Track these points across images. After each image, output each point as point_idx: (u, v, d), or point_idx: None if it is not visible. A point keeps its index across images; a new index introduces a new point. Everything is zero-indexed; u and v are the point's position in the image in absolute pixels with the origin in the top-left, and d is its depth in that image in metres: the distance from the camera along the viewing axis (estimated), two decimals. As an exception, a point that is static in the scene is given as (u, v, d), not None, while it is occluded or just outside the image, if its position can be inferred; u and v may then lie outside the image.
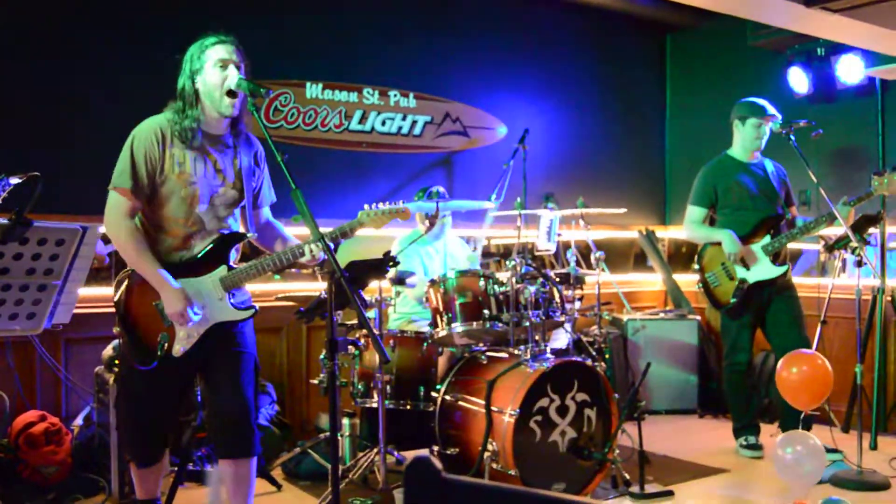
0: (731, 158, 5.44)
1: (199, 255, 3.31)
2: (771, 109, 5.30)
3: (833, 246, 5.14)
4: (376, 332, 4.39)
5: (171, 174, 3.25)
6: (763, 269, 5.21)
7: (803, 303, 5.36)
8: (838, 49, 6.03)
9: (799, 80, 6.34)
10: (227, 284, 3.31)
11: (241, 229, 3.49)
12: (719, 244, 5.28)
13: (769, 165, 5.45)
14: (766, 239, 5.21)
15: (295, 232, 3.64)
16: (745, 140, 5.36)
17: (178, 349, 3.24)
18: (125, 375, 3.50)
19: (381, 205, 3.48)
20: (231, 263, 3.36)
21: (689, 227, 5.52)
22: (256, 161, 3.50)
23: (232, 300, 3.34)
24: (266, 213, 3.63)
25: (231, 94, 3.23)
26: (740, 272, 5.23)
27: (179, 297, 3.19)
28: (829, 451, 5.05)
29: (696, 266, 5.48)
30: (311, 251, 3.24)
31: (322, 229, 3.08)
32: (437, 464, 1.08)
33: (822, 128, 5.25)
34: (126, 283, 3.31)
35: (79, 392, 4.90)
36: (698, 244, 5.56)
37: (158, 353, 3.22)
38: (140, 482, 3.55)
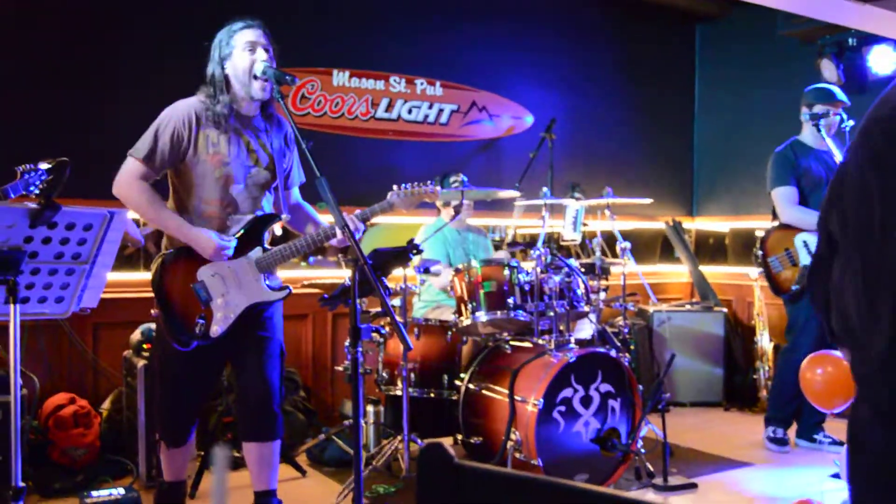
0: (801, 144, 5.28)
1: (234, 236, 3.34)
2: (840, 95, 5.20)
3: None
4: (400, 320, 4.41)
5: (204, 155, 3.29)
6: None
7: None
8: (870, 39, 5.95)
9: (830, 70, 6.26)
10: (262, 266, 3.34)
11: (274, 211, 3.52)
12: (784, 228, 5.16)
13: (838, 154, 5.30)
14: None
15: (323, 217, 3.67)
16: (813, 127, 5.25)
17: (216, 329, 3.28)
18: (161, 356, 3.55)
19: (410, 186, 3.52)
20: (265, 245, 3.39)
21: (790, 209, 5.20)
22: (287, 142, 3.55)
23: (267, 281, 3.37)
24: (296, 193, 3.69)
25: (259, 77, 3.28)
26: (804, 258, 5.13)
27: (209, 236, 3.25)
28: (838, 443, 5.02)
29: (759, 251, 5.33)
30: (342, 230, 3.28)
31: (351, 213, 3.14)
32: (451, 450, 1.09)
33: (853, 119, 5.18)
34: (163, 264, 3.35)
35: (108, 376, 4.96)
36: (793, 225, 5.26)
37: (197, 333, 3.26)
38: (168, 463, 3.60)
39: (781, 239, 5.22)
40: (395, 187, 3.57)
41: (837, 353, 4.62)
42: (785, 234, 5.19)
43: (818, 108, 5.18)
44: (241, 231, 3.35)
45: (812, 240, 5.08)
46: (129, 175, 3.31)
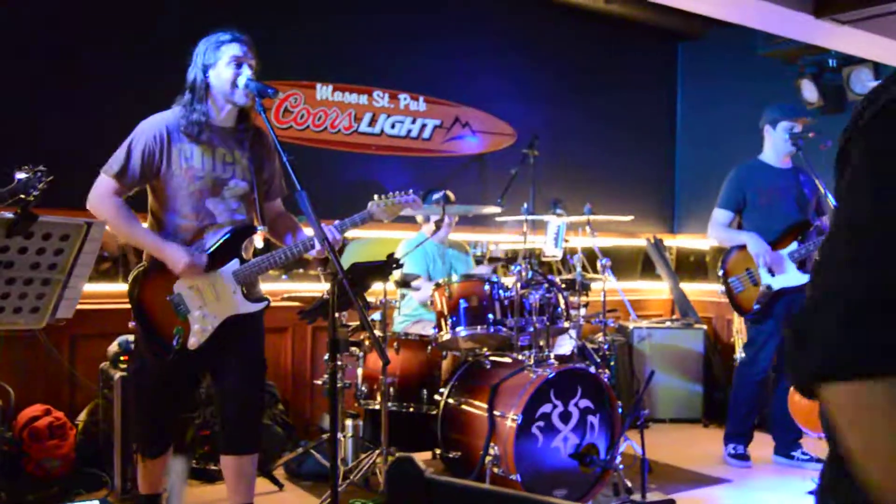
0: (762, 163, 5.35)
1: (212, 249, 3.32)
2: (802, 111, 5.25)
3: None
4: (379, 334, 4.40)
5: (178, 169, 3.28)
6: (789, 276, 5.13)
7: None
8: (849, 60, 6.01)
9: (809, 91, 6.32)
10: (239, 278, 3.33)
11: (253, 223, 3.49)
12: (745, 248, 5.22)
13: (804, 170, 5.35)
14: (794, 245, 5.14)
15: (305, 230, 3.66)
16: (777, 144, 5.29)
17: (193, 342, 3.27)
18: (138, 368, 3.54)
19: (391, 195, 3.52)
20: (243, 256, 3.38)
21: (715, 229, 5.43)
22: (268, 153, 3.53)
23: (245, 293, 3.36)
24: (279, 205, 3.67)
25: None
26: (765, 278, 5.16)
27: (180, 251, 3.23)
28: (817, 460, 5.05)
29: (721, 270, 5.39)
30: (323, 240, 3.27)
31: (331, 224, 3.14)
32: (421, 464, 1.08)
33: (831, 139, 5.22)
34: (140, 277, 3.34)
35: (84, 387, 4.92)
36: (724, 247, 5.47)
37: (175, 346, 3.25)
38: (145, 475, 3.57)
39: (742, 259, 5.28)
40: (375, 197, 3.56)
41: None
42: (746, 255, 5.25)
43: (784, 124, 5.22)
44: (218, 243, 3.33)
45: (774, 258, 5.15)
46: (101, 191, 3.32)
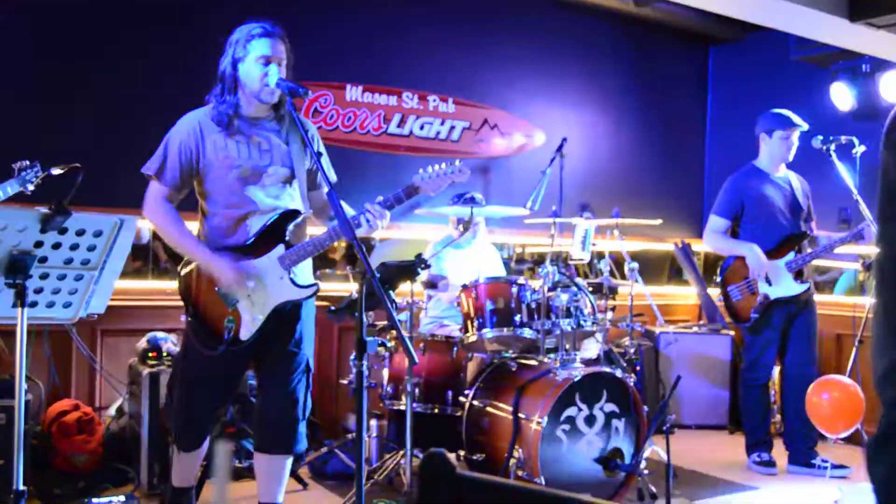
0: (758, 170, 5.37)
1: (256, 235, 3.31)
2: (797, 120, 5.24)
3: (871, 265, 5.07)
4: (406, 334, 4.40)
5: (214, 161, 3.28)
6: (786, 286, 5.16)
7: (840, 322, 5.30)
8: (883, 65, 5.95)
9: (842, 95, 6.26)
10: (286, 263, 3.30)
11: (296, 207, 3.44)
12: (743, 258, 5.23)
13: (794, 179, 5.38)
14: (791, 255, 5.16)
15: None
16: (774, 152, 5.30)
17: (245, 333, 3.26)
18: (186, 361, 3.50)
19: (436, 166, 3.44)
20: (288, 241, 3.34)
21: (712, 237, 5.45)
22: (304, 142, 3.38)
23: (293, 277, 3.33)
24: (324, 193, 3.58)
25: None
26: (762, 287, 5.17)
27: (227, 266, 3.22)
28: (836, 466, 5.01)
29: (718, 279, 5.42)
30: (368, 220, 3.26)
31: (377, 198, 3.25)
32: (452, 460, 1.09)
33: (864, 144, 5.18)
34: (190, 270, 3.34)
35: (112, 383, 4.96)
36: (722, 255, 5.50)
37: (226, 337, 3.23)
38: (179, 468, 3.57)
39: (741, 268, 5.28)
40: (420, 170, 3.46)
41: (843, 379, 4.61)
42: (743, 263, 5.25)
43: (779, 133, 5.23)
44: (261, 229, 3.32)
45: (771, 267, 5.14)
46: (150, 196, 3.33)
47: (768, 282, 5.17)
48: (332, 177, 3.45)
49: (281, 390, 3.37)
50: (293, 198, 3.44)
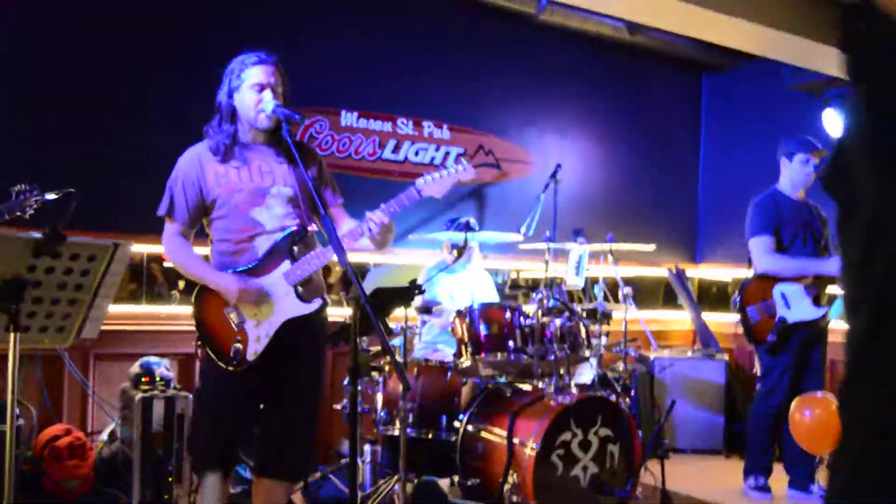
0: (781, 194, 5.32)
1: (263, 256, 3.31)
2: (817, 144, 5.24)
3: None
4: (399, 359, 4.39)
5: (216, 189, 3.30)
6: (804, 310, 5.10)
7: (832, 347, 5.28)
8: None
9: (835, 122, 6.30)
10: (291, 278, 3.29)
11: (301, 227, 3.42)
12: (763, 277, 5.17)
13: (813, 205, 5.34)
14: (809, 280, 5.12)
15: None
16: (794, 176, 5.27)
17: (252, 352, 3.24)
18: (204, 389, 3.50)
19: (441, 169, 3.42)
20: (294, 257, 3.32)
21: (766, 258, 5.21)
22: (306, 161, 3.36)
23: (299, 292, 3.31)
24: (339, 211, 3.59)
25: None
26: (780, 310, 5.13)
27: (234, 280, 3.22)
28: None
29: (737, 298, 5.34)
30: (370, 228, 3.25)
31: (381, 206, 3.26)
32: (444, 488, 1.09)
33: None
34: (198, 294, 3.35)
35: (104, 408, 4.94)
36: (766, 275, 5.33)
37: (234, 359, 3.23)
38: (206, 498, 3.39)
39: (760, 289, 5.22)
40: (424, 174, 3.44)
41: (827, 395, 4.59)
42: (764, 285, 5.19)
43: (799, 157, 5.21)
44: (267, 250, 3.31)
45: (790, 291, 5.11)
46: (165, 235, 3.40)
47: (787, 305, 5.12)
48: (338, 196, 3.58)
49: (292, 414, 3.34)
50: (299, 217, 3.43)
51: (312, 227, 3.45)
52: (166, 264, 4.09)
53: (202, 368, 3.46)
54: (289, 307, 3.30)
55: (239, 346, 3.24)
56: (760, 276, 5.22)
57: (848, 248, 1.48)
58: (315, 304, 3.34)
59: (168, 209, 3.35)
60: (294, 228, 3.38)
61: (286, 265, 3.30)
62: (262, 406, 3.44)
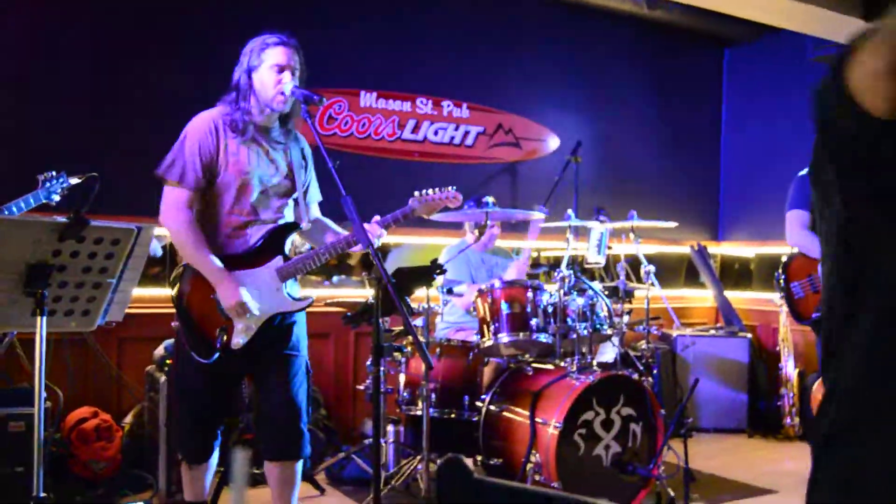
0: None
1: (256, 246, 3.31)
2: None
3: None
4: (422, 339, 4.41)
5: (225, 165, 3.27)
6: None
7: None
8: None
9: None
10: (283, 275, 3.30)
11: (295, 220, 3.47)
12: (804, 255, 5.10)
13: None
14: None
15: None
16: None
17: (237, 342, 3.23)
18: (181, 371, 3.50)
19: (430, 191, 3.50)
20: (287, 253, 3.36)
21: (796, 233, 5.01)
22: (304, 157, 3.50)
23: (288, 290, 3.34)
24: (315, 210, 3.63)
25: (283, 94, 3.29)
26: None
27: (236, 289, 3.19)
28: None
29: (781, 275, 5.26)
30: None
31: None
32: (470, 465, 1.09)
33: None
34: (183, 276, 3.32)
35: (131, 390, 4.99)
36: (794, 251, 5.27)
37: (217, 346, 3.22)
38: (190, 483, 3.54)
39: (805, 264, 5.14)
40: (415, 193, 3.53)
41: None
42: (809, 260, 5.11)
43: None
44: (262, 240, 3.32)
45: None
46: (171, 203, 3.25)
47: None
48: (319, 195, 3.63)
49: (284, 395, 3.34)
50: (292, 210, 3.47)
51: (305, 225, 3.47)
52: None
53: (179, 354, 3.43)
54: (278, 302, 3.32)
55: (223, 334, 3.22)
56: (804, 252, 5.14)
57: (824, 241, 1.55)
58: (304, 303, 3.37)
59: (179, 172, 3.23)
60: (287, 222, 3.41)
61: (278, 261, 3.32)
62: (255, 391, 3.47)
